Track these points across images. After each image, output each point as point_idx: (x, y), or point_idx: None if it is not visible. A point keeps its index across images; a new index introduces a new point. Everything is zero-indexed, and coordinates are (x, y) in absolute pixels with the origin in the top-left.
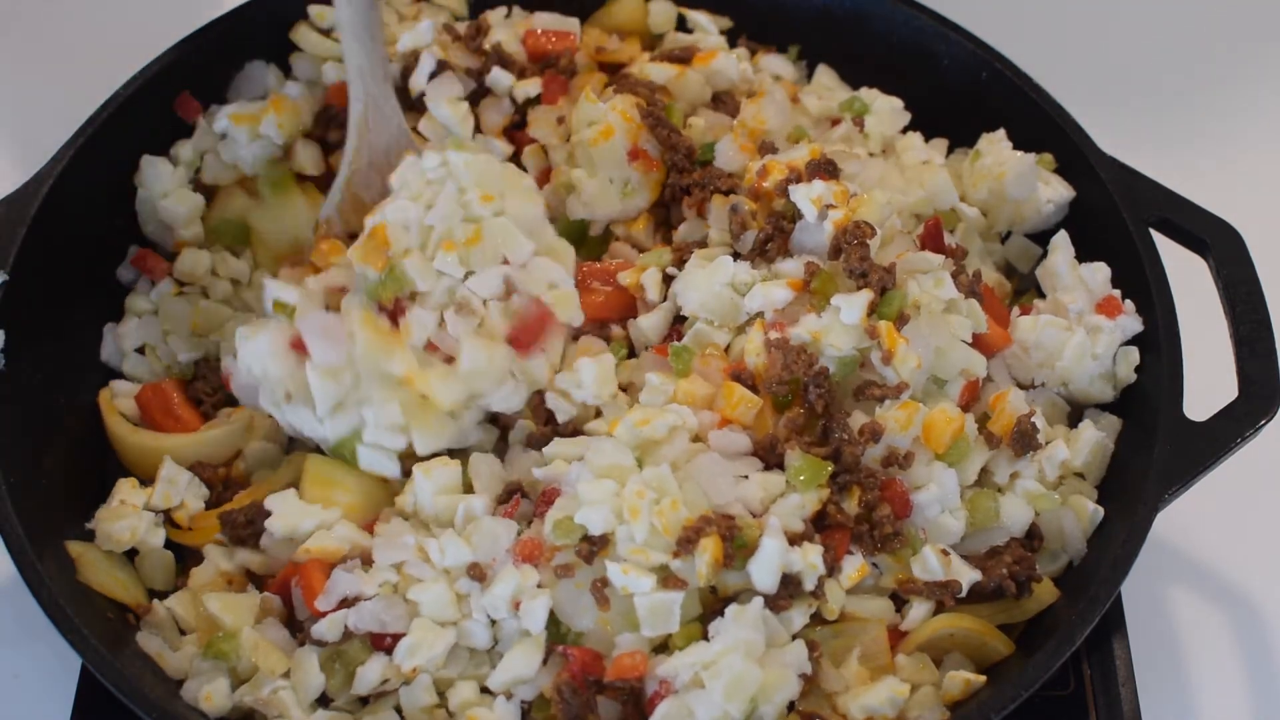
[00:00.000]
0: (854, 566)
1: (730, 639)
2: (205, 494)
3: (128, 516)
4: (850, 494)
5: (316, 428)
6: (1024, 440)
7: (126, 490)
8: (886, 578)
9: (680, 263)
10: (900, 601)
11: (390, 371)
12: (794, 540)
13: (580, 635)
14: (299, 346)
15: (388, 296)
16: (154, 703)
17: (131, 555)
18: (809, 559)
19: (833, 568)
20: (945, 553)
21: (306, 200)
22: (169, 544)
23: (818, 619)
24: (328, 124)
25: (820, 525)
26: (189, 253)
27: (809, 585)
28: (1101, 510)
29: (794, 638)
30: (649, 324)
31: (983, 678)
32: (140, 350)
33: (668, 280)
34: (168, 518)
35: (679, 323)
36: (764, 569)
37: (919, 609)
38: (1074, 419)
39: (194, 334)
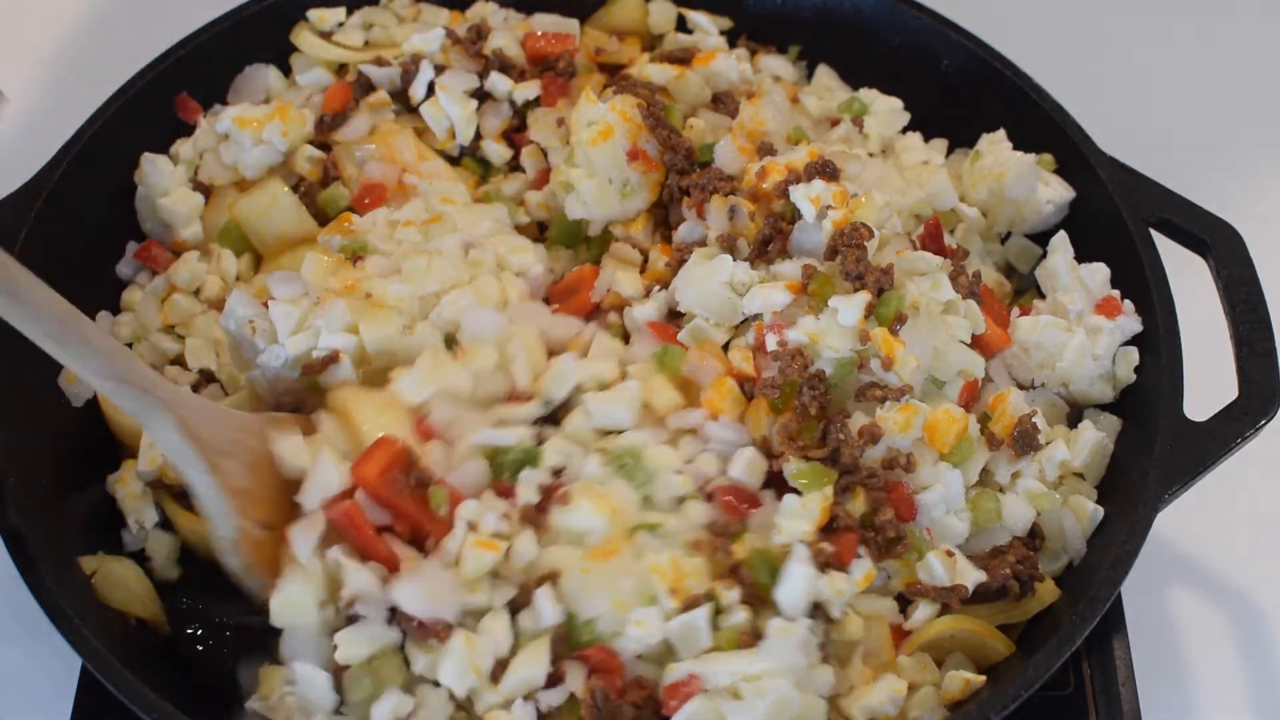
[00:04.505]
0: (861, 571)
1: (781, 660)
2: None
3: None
4: (854, 496)
5: (280, 351)
6: (1025, 440)
7: (128, 469)
8: (894, 580)
9: (680, 263)
10: (903, 600)
11: (333, 285)
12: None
13: (591, 623)
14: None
15: (349, 253)
16: (153, 703)
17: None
18: (836, 586)
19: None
20: (950, 554)
21: (292, 198)
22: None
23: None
24: (327, 128)
25: (828, 529)
26: (186, 265)
27: (835, 613)
28: (1101, 510)
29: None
30: (643, 313)
31: (982, 678)
32: (131, 345)
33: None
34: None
35: (676, 318)
36: (791, 595)
37: (924, 610)
38: (1073, 419)
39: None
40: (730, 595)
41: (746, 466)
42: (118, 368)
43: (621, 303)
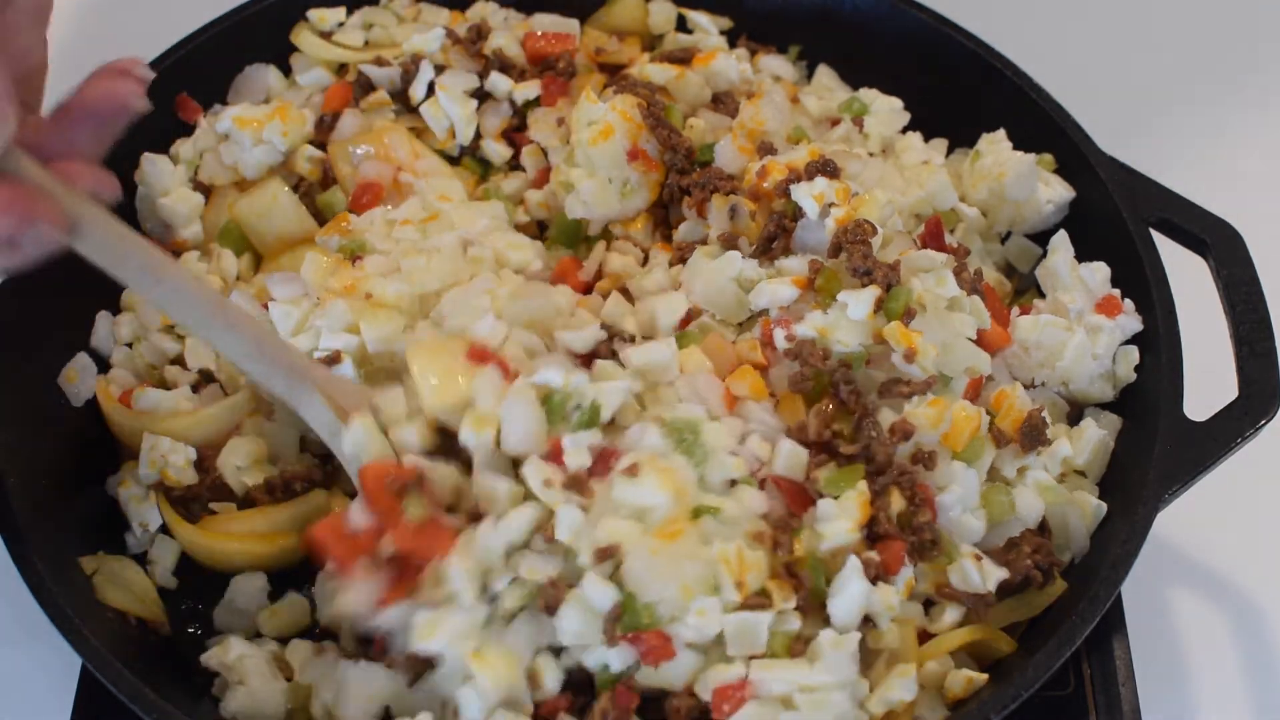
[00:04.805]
0: (904, 579)
1: (839, 675)
2: (193, 456)
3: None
4: (888, 496)
5: None
6: (1034, 435)
7: (129, 471)
8: (924, 584)
9: (680, 262)
10: (927, 600)
11: (333, 285)
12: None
13: (652, 606)
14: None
15: (348, 253)
16: (153, 702)
17: (143, 560)
18: (888, 601)
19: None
20: (978, 558)
21: (292, 198)
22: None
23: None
24: (327, 128)
25: (871, 535)
26: (187, 265)
27: (884, 626)
28: (1104, 506)
29: None
30: (655, 281)
31: (985, 676)
32: (130, 345)
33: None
34: (187, 514)
35: None
36: (846, 610)
37: (951, 614)
38: (1073, 419)
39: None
40: (787, 602)
41: (788, 460)
42: (267, 350)
43: (618, 284)
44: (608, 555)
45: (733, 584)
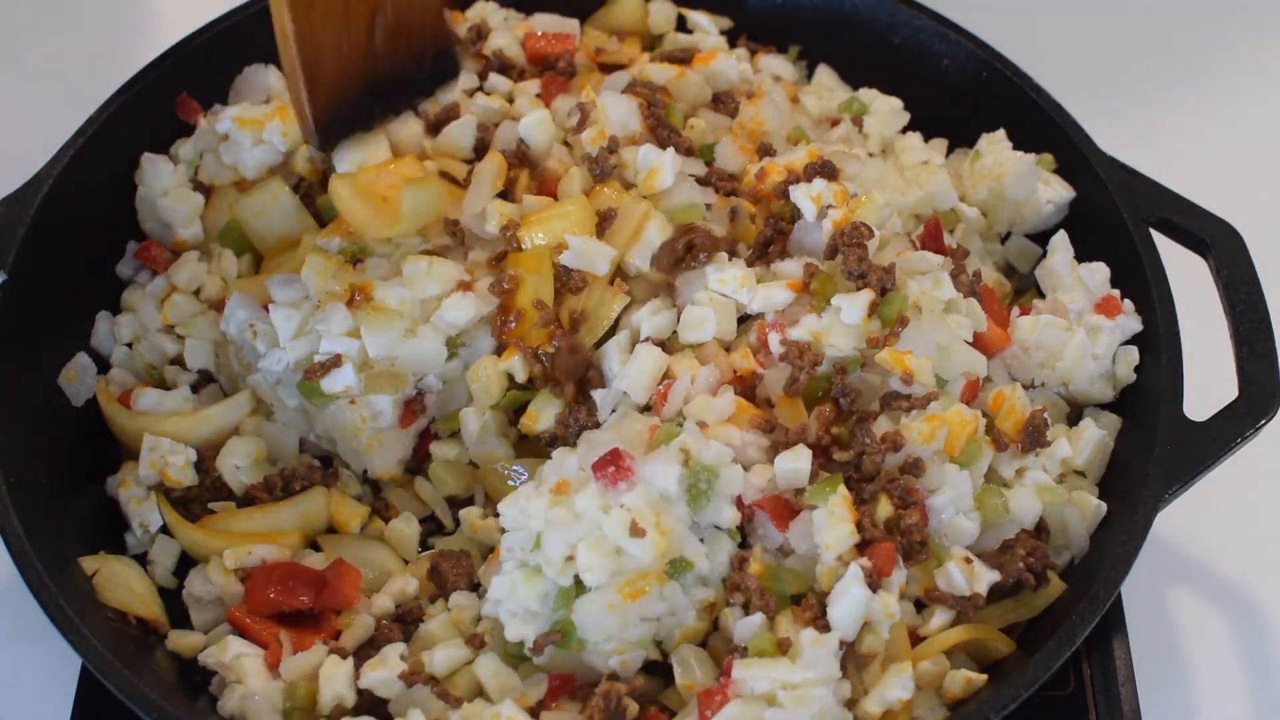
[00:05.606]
0: (896, 583)
1: (823, 670)
2: (193, 457)
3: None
4: (876, 503)
5: (281, 355)
6: (1035, 436)
7: (129, 471)
8: (914, 586)
9: None
10: (919, 602)
11: (335, 289)
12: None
13: (585, 642)
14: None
15: (348, 255)
16: (154, 702)
17: (143, 560)
18: (889, 608)
19: (877, 585)
20: (968, 560)
21: (293, 198)
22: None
23: None
24: None
25: (861, 544)
26: (186, 265)
27: (884, 634)
28: (1104, 505)
29: None
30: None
31: (984, 676)
32: (130, 345)
33: None
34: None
35: None
36: (845, 614)
37: (941, 616)
38: (1073, 419)
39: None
40: (804, 632)
41: (787, 476)
42: None
43: None
44: (574, 577)
45: (674, 641)
